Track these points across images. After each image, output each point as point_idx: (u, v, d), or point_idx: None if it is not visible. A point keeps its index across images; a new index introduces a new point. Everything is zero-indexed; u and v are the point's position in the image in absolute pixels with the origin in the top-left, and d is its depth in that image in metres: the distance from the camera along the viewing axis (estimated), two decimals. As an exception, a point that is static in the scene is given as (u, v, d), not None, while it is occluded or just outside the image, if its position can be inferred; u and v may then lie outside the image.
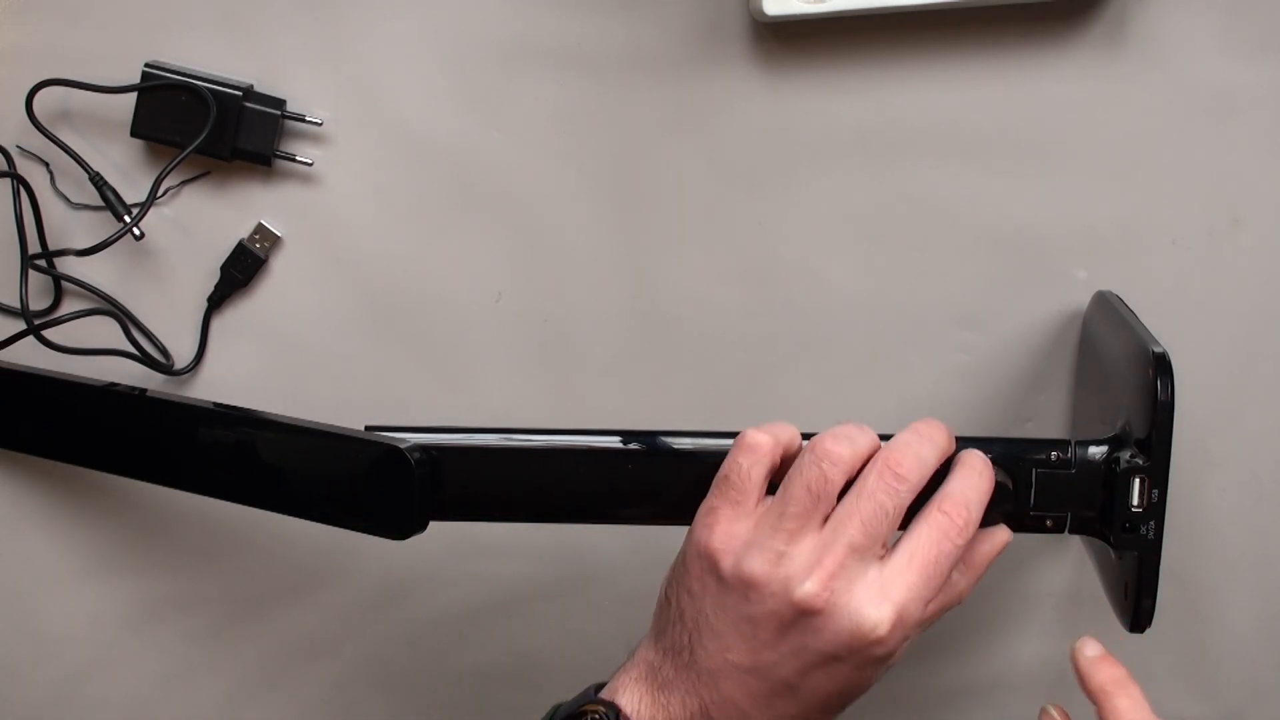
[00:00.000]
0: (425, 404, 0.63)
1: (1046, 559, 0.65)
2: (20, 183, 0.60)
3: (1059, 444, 0.52)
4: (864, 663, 0.48)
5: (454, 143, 0.61)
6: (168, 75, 0.59)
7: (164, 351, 0.63)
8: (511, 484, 0.54)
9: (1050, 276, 0.61)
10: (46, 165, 0.61)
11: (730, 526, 0.49)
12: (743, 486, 0.49)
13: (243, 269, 0.62)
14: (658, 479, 0.54)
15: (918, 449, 0.49)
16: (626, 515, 0.55)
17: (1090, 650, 0.50)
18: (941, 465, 0.50)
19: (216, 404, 0.59)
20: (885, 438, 0.50)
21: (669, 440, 0.54)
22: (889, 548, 0.49)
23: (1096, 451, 0.52)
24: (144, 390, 0.60)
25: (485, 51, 0.60)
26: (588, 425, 0.56)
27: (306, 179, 0.61)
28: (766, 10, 0.57)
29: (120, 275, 0.62)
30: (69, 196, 0.62)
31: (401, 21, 0.60)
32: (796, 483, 0.49)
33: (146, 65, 0.59)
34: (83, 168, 0.60)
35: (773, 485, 0.50)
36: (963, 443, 0.52)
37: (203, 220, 0.62)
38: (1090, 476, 0.52)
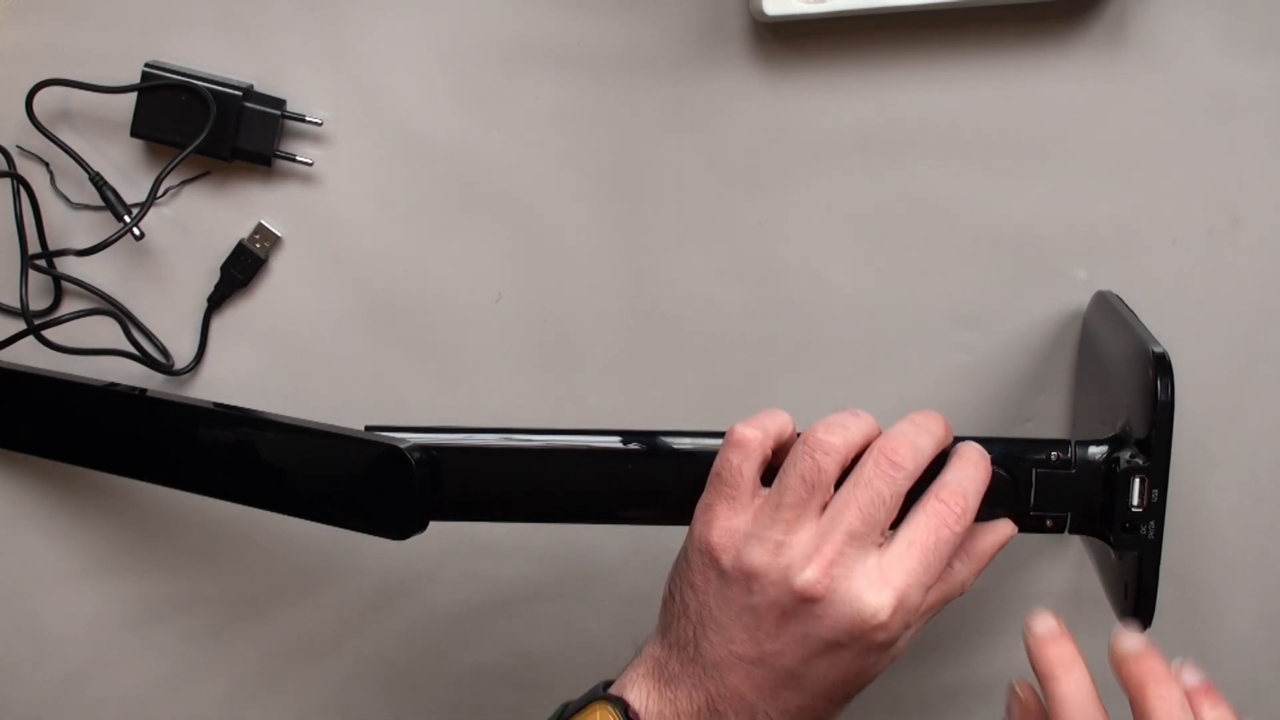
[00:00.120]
0: (425, 404, 0.63)
1: (1046, 559, 0.65)
2: (20, 183, 0.60)
3: (1059, 444, 0.52)
4: (867, 649, 0.48)
5: (454, 143, 0.61)
6: (168, 75, 0.59)
7: (164, 351, 0.63)
8: (511, 484, 0.54)
9: (1050, 276, 0.61)
10: (46, 165, 0.61)
11: (728, 522, 0.49)
12: (735, 482, 0.50)
13: (243, 269, 0.62)
14: (658, 479, 0.54)
15: (914, 438, 0.50)
16: (627, 515, 0.55)
17: (1128, 644, 0.46)
18: (939, 457, 0.50)
19: (216, 404, 0.59)
20: (884, 434, 0.51)
21: (669, 440, 0.54)
22: (888, 536, 0.49)
23: (1096, 451, 0.52)
24: (144, 390, 0.60)
25: (485, 51, 0.60)
26: (588, 425, 0.56)
27: (306, 179, 0.61)
28: (766, 10, 0.57)
29: (120, 275, 0.62)
30: (69, 196, 0.62)
31: (401, 21, 0.60)
32: (791, 474, 0.49)
33: (146, 65, 0.59)
34: (83, 168, 0.60)
35: (772, 475, 0.50)
36: (963, 442, 0.52)
37: (203, 220, 0.62)
38: (1090, 476, 0.52)
